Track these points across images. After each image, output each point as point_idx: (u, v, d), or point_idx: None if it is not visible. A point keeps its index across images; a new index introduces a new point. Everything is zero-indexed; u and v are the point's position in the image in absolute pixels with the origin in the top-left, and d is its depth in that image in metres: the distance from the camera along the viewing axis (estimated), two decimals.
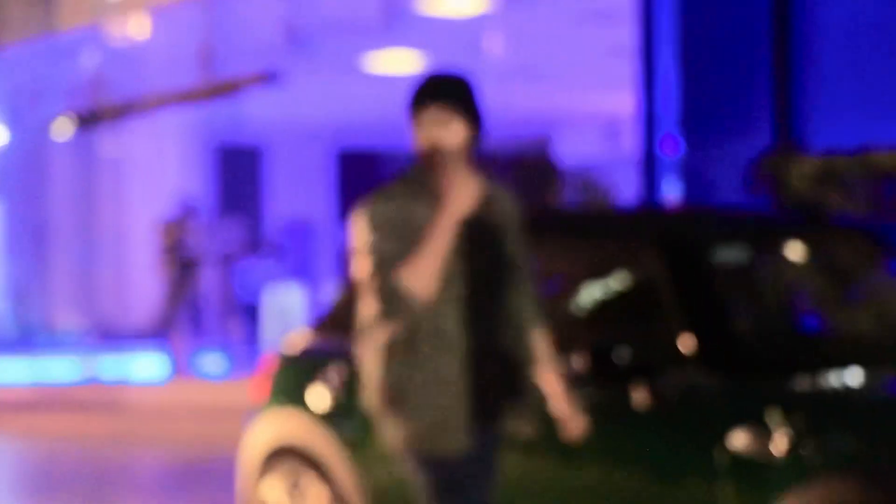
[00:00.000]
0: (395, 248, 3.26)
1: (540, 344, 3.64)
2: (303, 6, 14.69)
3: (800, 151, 8.89)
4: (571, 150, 20.42)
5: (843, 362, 4.56)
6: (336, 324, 5.82)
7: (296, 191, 22.07)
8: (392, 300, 3.28)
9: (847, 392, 4.48)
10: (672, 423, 4.27)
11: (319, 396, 5.48)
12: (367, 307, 3.38)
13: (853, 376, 4.49)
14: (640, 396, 4.23)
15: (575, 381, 4.21)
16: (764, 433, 3.98)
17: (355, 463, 5.22)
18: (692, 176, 11.33)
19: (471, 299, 3.36)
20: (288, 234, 21.58)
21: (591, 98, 18.35)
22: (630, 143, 13.46)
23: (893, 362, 4.72)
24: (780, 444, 3.98)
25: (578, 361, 4.30)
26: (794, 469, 3.93)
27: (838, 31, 11.24)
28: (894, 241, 5.76)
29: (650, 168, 11.74)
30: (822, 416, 4.11)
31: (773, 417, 4.01)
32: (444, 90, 3.35)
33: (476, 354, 3.35)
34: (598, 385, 4.31)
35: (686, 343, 4.34)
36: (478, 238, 3.38)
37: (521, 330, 3.58)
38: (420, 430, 3.31)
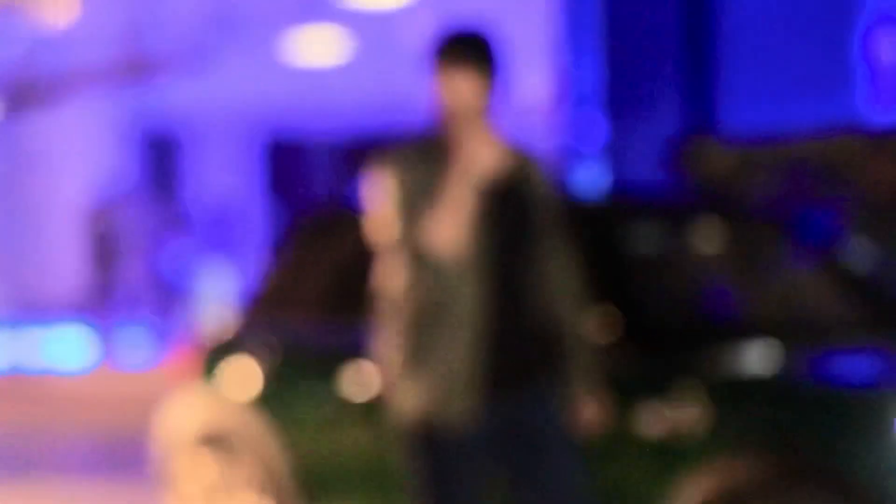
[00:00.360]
0: (420, 210, 3.13)
1: (571, 325, 3.35)
2: None
3: (717, 138, 9.24)
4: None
5: (753, 342, 4.78)
6: (262, 308, 6.05)
7: (221, 177, 22.05)
8: (418, 264, 3.16)
9: (753, 374, 4.67)
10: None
11: (248, 379, 5.59)
12: (387, 273, 3.24)
13: (761, 357, 4.68)
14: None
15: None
16: (678, 408, 4.21)
17: (284, 445, 5.33)
18: (604, 156, 11.67)
19: (493, 271, 3.16)
20: (213, 219, 21.67)
21: (513, 83, 18.70)
22: (543, 121, 13.87)
23: (801, 342, 4.93)
24: (684, 416, 4.22)
25: None
26: (705, 442, 4.18)
27: (751, 25, 11.75)
28: (805, 228, 6.02)
29: (563, 150, 12.20)
30: (730, 395, 4.37)
31: (685, 393, 4.23)
32: (467, 46, 3.19)
33: (496, 329, 3.14)
34: None
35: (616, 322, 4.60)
36: (502, 208, 3.21)
37: (551, 307, 3.31)
38: (424, 400, 3.13)
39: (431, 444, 3.10)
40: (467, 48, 3.18)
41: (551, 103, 13.72)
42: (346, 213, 6.80)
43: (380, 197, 3.22)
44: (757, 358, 4.72)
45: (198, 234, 20.40)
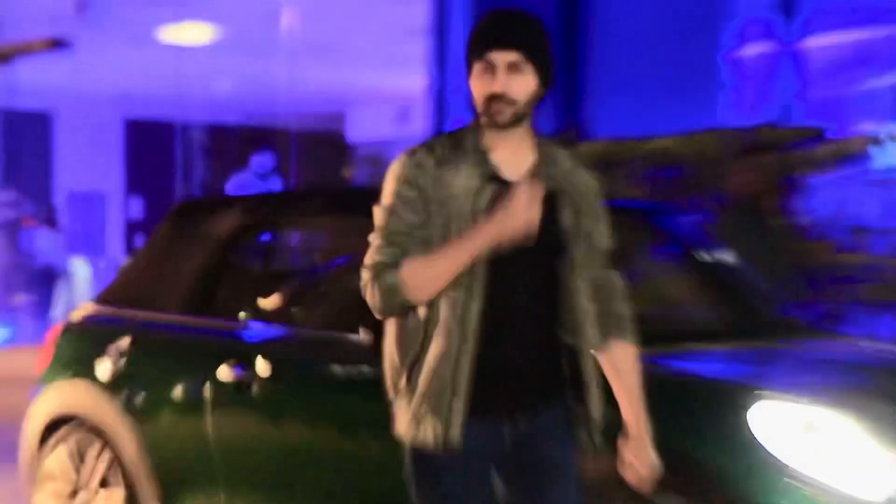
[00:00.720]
0: (411, 223, 2.84)
1: (626, 353, 3.14)
2: None
3: (579, 136, 9.54)
4: (365, 129, 21.01)
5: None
6: (121, 295, 5.99)
7: (84, 159, 21.56)
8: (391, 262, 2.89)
9: None
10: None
11: (103, 366, 5.51)
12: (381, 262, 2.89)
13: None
14: (366, 336, 4.54)
15: (360, 354, 4.49)
16: None
17: (138, 430, 5.30)
18: None
19: (503, 278, 2.85)
20: (75, 203, 21.46)
21: (385, 77, 18.72)
22: (421, 123, 14.08)
23: (656, 338, 4.88)
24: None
25: (366, 336, 4.45)
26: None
27: (620, 27, 12.16)
28: (667, 224, 6.08)
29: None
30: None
31: None
32: (514, 32, 2.83)
33: (504, 340, 2.90)
34: (346, 328, 4.60)
35: None
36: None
37: (580, 322, 2.98)
38: (412, 415, 2.92)
39: (432, 463, 2.92)
40: (523, 34, 2.88)
41: (426, 100, 13.98)
42: (213, 201, 6.80)
43: (386, 194, 2.91)
44: None
45: (64, 214, 19.95)
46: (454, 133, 2.95)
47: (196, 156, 22.90)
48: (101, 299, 6.16)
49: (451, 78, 12.75)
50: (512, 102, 2.73)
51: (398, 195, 2.83)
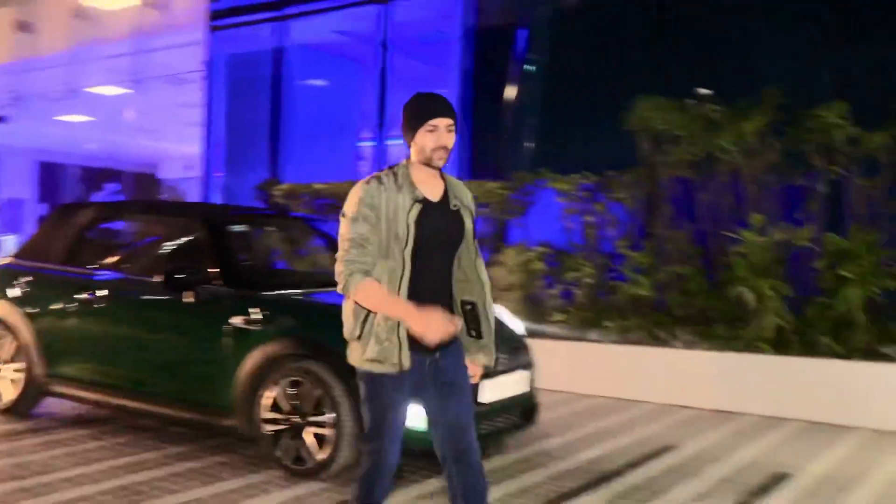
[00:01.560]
0: (369, 230, 3.57)
1: (485, 294, 3.88)
2: None
3: (278, 181, 13.87)
4: (168, 172, 32.60)
5: (291, 286, 6.99)
6: (28, 253, 8.02)
7: (15, 182, 34.93)
8: (367, 261, 3.62)
9: (291, 299, 6.66)
10: (206, 310, 6.50)
11: (14, 290, 7.67)
12: (353, 260, 3.62)
13: (294, 292, 6.83)
14: (192, 295, 6.52)
15: (156, 289, 6.67)
16: (249, 316, 6.28)
17: (33, 327, 7.47)
18: (227, 190, 15.94)
19: (426, 258, 3.61)
20: (9, 205, 35.09)
21: (179, 144, 27.45)
22: (200, 170, 17.64)
23: (313, 286, 7.03)
24: (254, 320, 6.32)
25: (160, 279, 6.50)
26: (262, 334, 6.21)
27: (299, 121, 16.16)
28: (320, 227, 8.30)
29: (206, 185, 16.10)
30: (278, 310, 6.33)
31: (256, 310, 6.27)
32: (448, 107, 3.60)
33: (427, 300, 3.60)
34: (169, 290, 6.49)
35: (213, 271, 6.59)
36: (448, 217, 3.70)
37: (469, 283, 3.84)
38: (370, 353, 3.63)
39: (379, 384, 3.68)
40: (452, 108, 3.64)
41: (201, 157, 17.50)
42: (80, 205, 8.67)
43: (350, 208, 3.64)
44: (292, 292, 6.74)
45: (3, 211, 32.89)
46: (392, 169, 3.67)
47: (76, 182, 36.31)
48: (17, 255, 8.17)
49: (213, 142, 16.68)
50: (448, 151, 3.58)
51: (360, 211, 3.56)
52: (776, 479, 6.72)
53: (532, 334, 8.37)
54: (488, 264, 10.42)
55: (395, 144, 14.78)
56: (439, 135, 3.57)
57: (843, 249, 9.04)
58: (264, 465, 6.43)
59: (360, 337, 3.67)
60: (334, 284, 6.31)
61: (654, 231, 10.77)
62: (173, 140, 28.50)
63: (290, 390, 6.12)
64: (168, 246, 7.42)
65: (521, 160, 12.79)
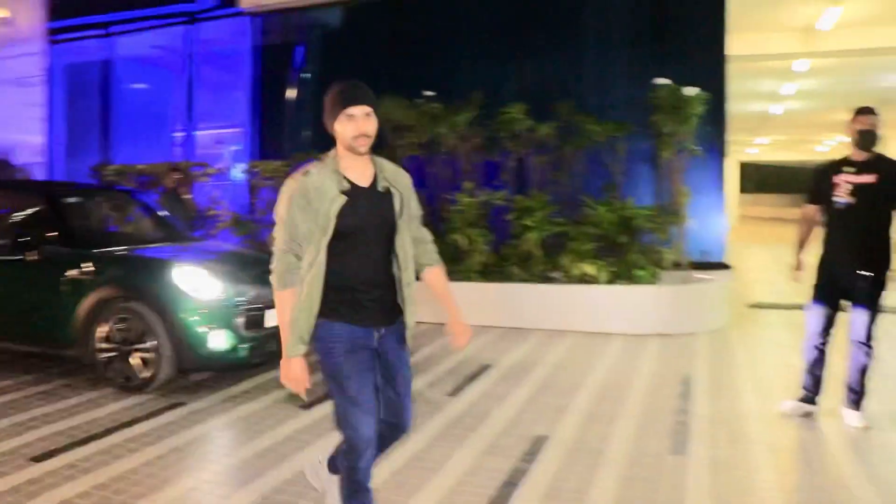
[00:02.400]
0: (301, 220, 2.93)
1: (438, 273, 3.29)
2: None
3: (109, 163, 13.06)
4: (19, 159, 24.95)
5: (117, 245, 6.67)
6: None
7: None
8: (297, 252, 3.00)
9: (117, 254, 6.41)
10: (49, 265, 6.23)
11: None
12: (283, 253, 3.01)
13: (119, 248, 6.58)
14: (37, 254, 6.26)
15: (7, 250, 6.35)
16: (82, 269, 6.10)
17: None
18: (67, 173, 14.90)
19: (361, 245, 2.98)
20: None
21: (27, 133, 22.69)
22: (40, 158, 16.20)
23: (135, 244, 6.81)
24: (87, 272, 6.12)
25: (8, 242, 6.29)
26: (94, 282, 6.04)
27: (126, 108, 15.26)
28: (142, 199, 8.08)
29: (50, 168, 14.74)
30: (107, 263, 6.15)
31: (89, 264, 6.10)
32: (365, 94, 2.93)
33: (359, 283, 2.99)
34: (18, 251, 6.26)
35: (54, 234, 6.37)
36: (376, 200, 3.01)
37: (423, 246, 3.23)
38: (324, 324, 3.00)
39: (344, 353, 2.98)
40: (371, 94, 2.96)
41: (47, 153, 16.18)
42: None
43: (282, 203, 2.99)
44: (119, 249, 6.47)
45: None
46: (322, 160, 2.99)
47: None
48: None
49: (53, 133, 15.67)
50: (370, 138, 2.91)
51: (294, 202, 2.91)
52: (482, 368, 6.98)
53: None
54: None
55: (202, 134, 14.74)
56: (357, 122, 2.89)
57: (526, 206, 9.39)
58: (100, 385, 6.27)
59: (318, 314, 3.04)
60: (152, 243, 6.57)
61: None
62: (22, 132, 26.39)
63: (119, 325, 6.02)
64: (17, 215, 6.99)
65: (299, 144, 12.79)
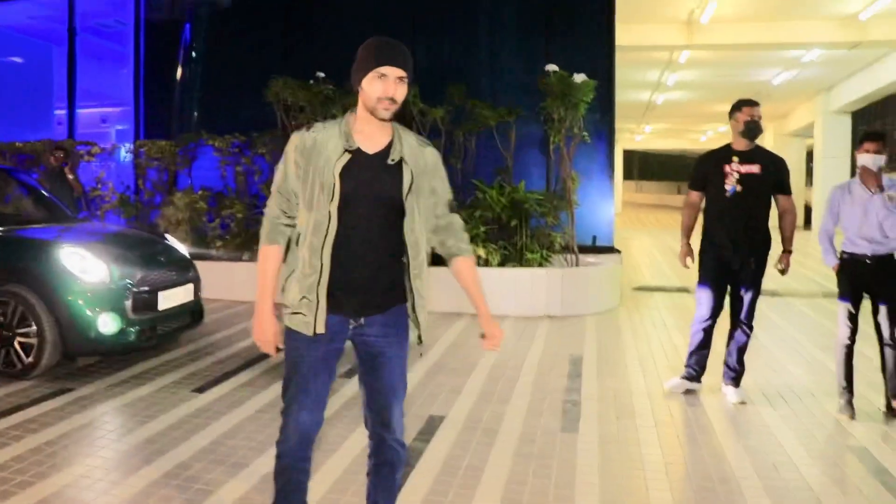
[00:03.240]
0: (293, 174, 2.69)
1: (466, 264, 2.89)
2: None
3: None
4: None
5: (3, 224, 6.36)
6: None
7: None
8: (286, 209, 2.75)
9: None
10: None
11: None
12: (271, 209, 2.78)
13: None
14: None
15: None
16: None
17: None
18: None
19: (351, 222, 2.64)
20: None
21: None
22: None
23: (16, 224, 6.45)
24: None
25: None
26: None
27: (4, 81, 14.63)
28: (21, 177, 7.73)
29: None
30: None
31: None
32: (403, 56, 2.63)
33: (351, 265, 2.66)
34: None
35: None
36: (379, 172, 2.67)
37: (419, 249, 2.73)
38: (290, 306, 2.71)
39: (291, 339, 2.75)
40: (408, 57, 2.66)
41: None
42: None
43: (285, 155, 2.74)
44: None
45: None
46: (334, 120, 2.74)
47: None
48: None
49: None
50: (395, 104, 2.61)
51: (291, 158, 2.68)
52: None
53: (198, 257, 8.30)
54: (162, 204, 10.29)
55: (85, 113, 14.28)
56: (387, 84, 2.58)
57: None
58: None
59: (283, 290, 2.75)
60: (34, 223, 6.41)
61: None
62: None
63: None
64: None
65: (187, 124, 12.53)
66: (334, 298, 2.67)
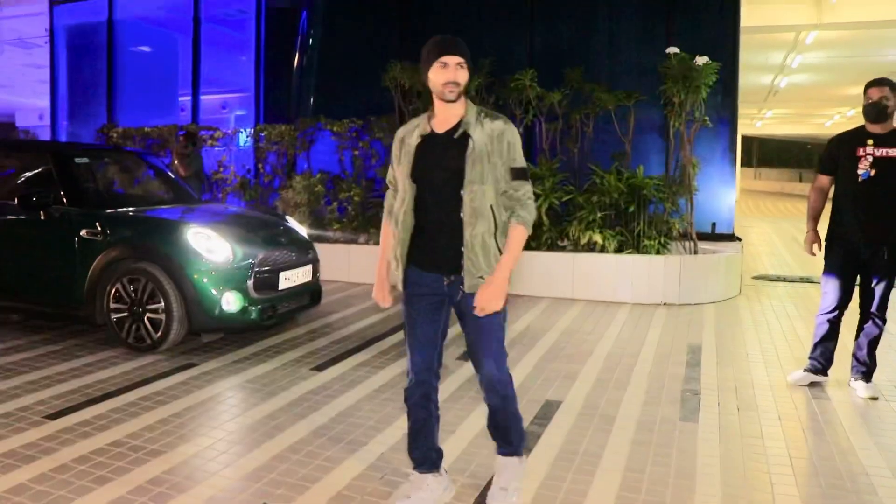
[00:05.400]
0: (395, 162, 3.20)
1: (513, 232, 3.09)
2: None
3: (115, 125, 13.06)
4: (23, 122, 27.42)
5: (126, 205, 6.68)
6: None
7: None
8: (393, 192, 3.29)
9: (126, 214, 6.40)
10: (58, 225, 6.20)
11: None
12: (387, 194, 3.35)
13: (129, 209, 6.51)
14: (45, 214, 6.25)
15: (16, 210, 6.27)
16: (92, 229, 6.08)
17: None
18: (73, 135, 14.79)
19: (430, 188, 3.06)
20: None
21: (31, 99, 25.07)
22: (49, 121, 16.13)
23: (144, 205, 6.74)
24: (97, 232, 6.04)
25: (17, 202, 6.19)
26: (105, 242, 6.04)
27: (127, 78, 15.10)
28: (149, 160, 7.98)
29: (55, 131, 14.52)
30: (117, 223, 6.14)
31: (99, 224, 6.10)
32: (459, 46, 3.04)
33: (430, 225, 3.09)
34: (26, 210, 6.21)
35: (63, 194, 6.33)
36: (447, 147, 3.07)
37: (477, 215, 3.02)
38: (395, 272, 3.18)
39: (406, 296, 3.21)
40: (465, 48, 3.06)
41: (52, 115, 15.97)
42: None
43: (393, 148, 3.22)
44: (128, 209, 6.47)
45: None
46: (423, 114, 3.20)
47: None
48: None
49: (60, 97, 15.41)
50: (459, 86, 3.02)
51: (393, 151, 3.21)
52: None
53: (316, 240, 8.53)
54: (281, 187, 10.54)
55: (207, 99, 14.78)
56: (448, 70, 3.00)
57: (534, 173, 9.29)
58: (112, 345, 6.29)
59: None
60: (162, 204, 6.51)
61: None
62: (26, 94, 26.19)
63: (130, 285, 5.98)
64: (25, 175, 6.89)
65: (305, 109, 12.71)
66: (422, 258, 3.13)
